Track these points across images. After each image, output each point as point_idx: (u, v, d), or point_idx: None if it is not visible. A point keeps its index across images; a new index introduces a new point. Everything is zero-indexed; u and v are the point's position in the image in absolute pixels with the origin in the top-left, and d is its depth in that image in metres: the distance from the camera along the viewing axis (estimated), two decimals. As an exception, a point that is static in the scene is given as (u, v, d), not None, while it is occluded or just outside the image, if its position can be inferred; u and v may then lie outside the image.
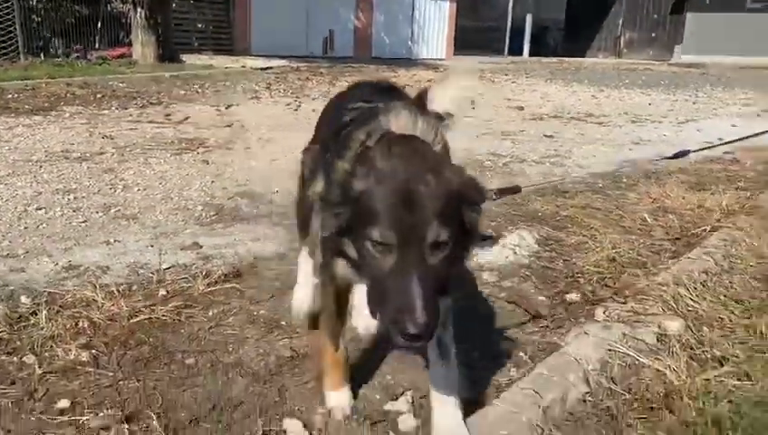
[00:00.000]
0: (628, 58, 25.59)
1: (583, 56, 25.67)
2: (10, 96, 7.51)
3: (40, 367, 1.78)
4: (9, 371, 1.77)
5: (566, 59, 23.03)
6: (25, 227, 3.02)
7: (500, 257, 2.81)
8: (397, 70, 14.04)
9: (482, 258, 2.77)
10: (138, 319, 2.08)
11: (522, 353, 1.98)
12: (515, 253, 2.86)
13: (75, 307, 2.13)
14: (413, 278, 1.18)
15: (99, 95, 8.03)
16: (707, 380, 1.71)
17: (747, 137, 4.07)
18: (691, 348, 1.91)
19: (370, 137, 1.38)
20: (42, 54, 12.39)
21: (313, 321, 1.84)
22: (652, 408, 1.62)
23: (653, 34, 26.29)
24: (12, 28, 12.16)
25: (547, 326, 2.19)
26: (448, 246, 1.24)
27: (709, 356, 1.85)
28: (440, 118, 1.70)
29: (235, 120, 6.60)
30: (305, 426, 1.58)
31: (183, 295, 2.30)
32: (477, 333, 2.07)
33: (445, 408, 1.50)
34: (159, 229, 3.08)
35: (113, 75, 10.32)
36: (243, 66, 13.09)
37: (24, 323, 2.02)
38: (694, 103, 10.01)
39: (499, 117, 7.68)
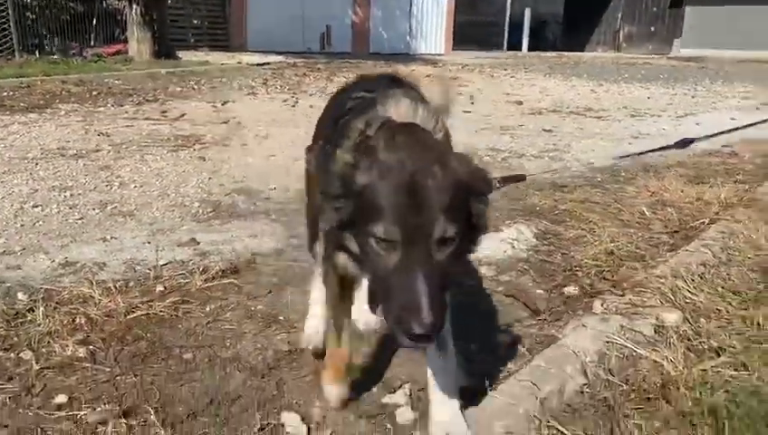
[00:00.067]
0: (627, 52, 25.57)
1: (582, 50, 25.66)
2: (5, 94, 7.48)
3: (37, 363, 1.78)
4: (6, 367, 1.77)
5: (565, 53, 22.99)
6: (22, 225, 3.01)
7: (498, 251, 2.80)
8: (395, 65, 14.00)
9: (480, 252, 2.76)
10: (135, 315, 2.08)
11: (520, 346, 1.98)
12: (513, 247, 2.86)
13: (72, 304, 2.13)
14: (419, 276, 1.14)
15: (94, 92, 8.00)
16: (704, 370, 1.71)
17: (751, 124, 4.08)
18: (688, 339, 1.91)
19: (370, 126, 1.33)
20: (37, 52, 12.35)
21: (322, 352, 1.78)
22: (649, 398, 1.62)
23: (652, 28, 26.28)
24: (6, 26, 12.11)
25: (545, 319, 2.19)
26: (455, 241, 1.20)
27: (706, 347, 1.85)
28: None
29: (231, 116, 6.58)
30: (303, 419, 1.58)
31: (180, 291, 2.29)
32: (475, 327, 2.07)
33: (442, 400, 1.49)
34: (156, 226, 3.07)
35: (109, 72, 10.28)
36: (239, 62, 13.05)
37: (20, 320, 2.02)
38: (693, 97, 10.00)
39: (498, 112, 7.67)
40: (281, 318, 2.14)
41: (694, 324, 1.99)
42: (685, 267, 2.41)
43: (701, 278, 2.33)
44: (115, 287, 2.26)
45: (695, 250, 2.64)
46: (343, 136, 1.37)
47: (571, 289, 2.43)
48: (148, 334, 1.98)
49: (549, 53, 22.71)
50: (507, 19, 25.55)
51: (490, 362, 1.88)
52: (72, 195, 3.54)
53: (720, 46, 21.74)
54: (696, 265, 2.45)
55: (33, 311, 2.05)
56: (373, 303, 1.32)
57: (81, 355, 1.83)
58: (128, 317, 2.06)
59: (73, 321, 2.01)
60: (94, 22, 13.79)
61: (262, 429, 1.55)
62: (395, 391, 1.72)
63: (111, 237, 2.88)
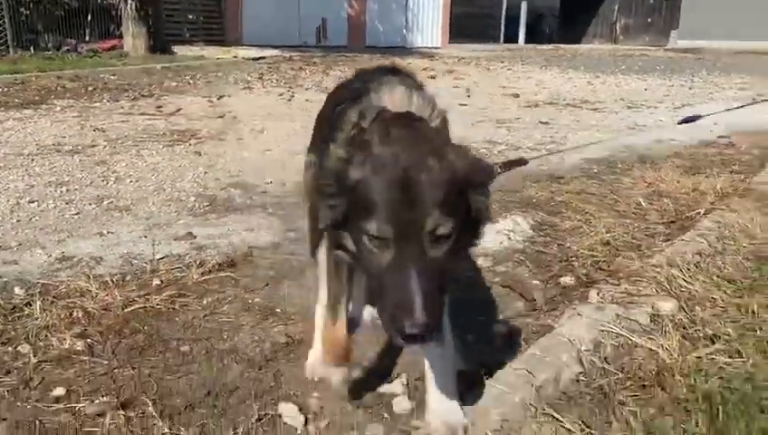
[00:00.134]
0: (624, 44, 25.53)
1: (579, 43, 25.61)
2: (0, 90, 7.45)
3: (35, 356, 1.78)
4: (4, 360, 1.78)
5: (562, 46, 22.96)
6: (18, 220, 3.01)
7: (494, 243, 2.81)
8: (391, 59, 13.95)
9: (476, 244, 2.77)
10: (132, 308, 2.08)
11: (516, 336, 1.99)
12: (510, 238, 2.87)
13: (69, 297, 2.13)
14: (412, 274, 1.11)
15: (90, 88, 7.97)
16: (699, 358, 1.72)
17: (750, 104, 4.11)
18: (684, 327, 1.92)
19: (364, 117, 1.30)
20: (32, 48, 12.27)
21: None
22: (644, 386, 1.63)
23: (649, 20, 26.24)
24: (0, 22, 12.03)
25: (541, 309, 2.20)
26: (452, 237, 1.16)
27: (701, 335, 1.86)
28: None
29: (227, 110, 6.56)
30: (300, 410, 1.59)
31: (177, 285, 2.30)
32: (472, 317, 2.08)
33: (440, 389, 1.50)
34: (152, 220, 3.07)
35: (104, 68, 10.23)
36: (234, 56, 13.01)
37: (18, 314, 2.02)
38: (690, 88, 10.00)
39: (494, 105, 7.66)
40: (278, 310, 2.15)
41: (689, 313, 2.01)
42: (680, 257, 2.42)
43: (696, 267, 2.34)
44: (112, 281, 2.26)
45: (690, 240, 2.65)
46: (337, 128, 1.35)
47: (567, 279, 2.44)
48: (146, 327, 1.99)
49: (545, 46, 22.67)
50: (504, 12, 25.48)
51: (487, 353, 1.89)
52: (68, 190, 3.53)
53: (717, 37, 21.71)
54: (692, 255, 2.46)
55: (31, 305, 2.05)
56: (371, 300, 1.30)
57: (78, 348, 1.83)
58: (125, 310, 2.07)
59: (71, 314, 2.02)
60: (89, 17, 13.71)
61: (259, 419, 1.56)
62: (392, 381, 1.73)
63: (108, 232, 2.87)
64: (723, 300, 2.10)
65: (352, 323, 1.58)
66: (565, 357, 1.71)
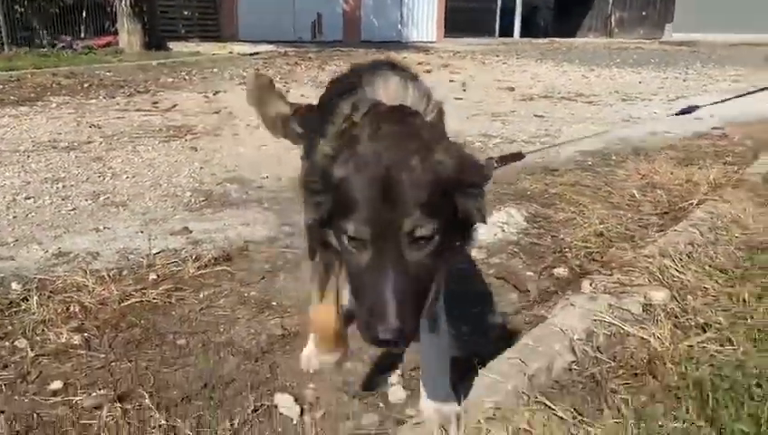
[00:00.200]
0: (618, 37, 25.48)
1: (574, 36, 25.56)
2: (-5, 87, 7.43)
3: (32, 350, 1.80)
4: (2, 355, 1.79)
5: (557, 39, 22.92)
6: (14, 216, 3.01)
7: (488, 235, 2.83)
8: (387, 53, 13.93)
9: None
10: (128, 302, 2.10)
11: (510, 327, 2.01)
12: (504, 230, 2.89)
13: (66, 292, 2.14)
14: (388, 278, 1.07)
15: (85, 84, 7.94)
16: (690, 346, 1.75)
17: (747, 93, 4.14)
18: (675, 316, 1.94)
19: (357, 109, 1.26)
20: (27, 45, 12.21)
21: None
22: (636, 374, 1.65)
23: (644, 13, 26.17)
24: (-5, 19, 11.97)
25: (535, 300, 2.23)
26: (434, 238, 1.11)
27: (693, 324, 1.89)
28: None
29: (222, 106, 6.55)
30: (296, 400, 1.61)
31: (173, 279, 2.31)
32: (466, 309, 2.10)
33: (434, 377, 1.51)
34: (149, 216, 3.08)
35: (100, 64, 10.20)
36: (230, 52, 12.96)
37: (15, 309, 2.03)
38: (684, 81, 10.01)
39: (489, 98, 7.66)
40: (274, 303, 2.17)
41: (681, 302, 2.03)
42: (673, 247, 2.44)
43: (689, 257, 2.36)
44: (108, 276, 2.28)
45: (683, 230, 2.67)
46: (328, 121, 1.31)
47: (561, 270, 2.46)
48: (142, 321, 2.00)
49: (540, 40, 22.63)
50: (499, 6, 25.41)
51: (481, 344, 1.91)
52: (64, 186, 3.53)
53: (712, 30, 21.69)
54: (684, 245, 2.48)
55: (27, 300, 2.06)
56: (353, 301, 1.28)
57: (75, 342, 1.84)
58: (121, 305, 2.08)
59: (67, 309, 2.03)
60: (84, 14, 13.62)
61: (255, 410, 1.57)
62: (389, 372, 1.74)
63: (104, 227, 2.88)
64: (714, 289, 2.12)
65: (350, 316, 1.59)
66: (558, 346, 1.73)
